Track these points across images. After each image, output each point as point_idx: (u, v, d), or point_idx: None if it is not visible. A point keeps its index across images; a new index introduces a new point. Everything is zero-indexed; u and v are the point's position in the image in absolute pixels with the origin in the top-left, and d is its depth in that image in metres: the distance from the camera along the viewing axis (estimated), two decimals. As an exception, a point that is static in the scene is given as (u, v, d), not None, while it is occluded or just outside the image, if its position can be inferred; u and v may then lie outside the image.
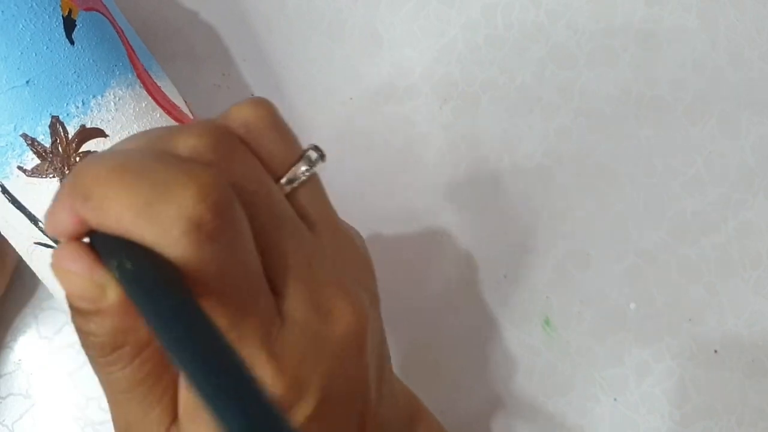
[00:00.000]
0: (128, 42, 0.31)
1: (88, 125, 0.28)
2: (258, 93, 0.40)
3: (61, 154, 0.28)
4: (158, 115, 0.30)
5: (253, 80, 0.40)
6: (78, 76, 0.28)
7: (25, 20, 0.26)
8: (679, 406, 0.40)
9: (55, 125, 0.27)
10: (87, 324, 0.21)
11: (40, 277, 0.32)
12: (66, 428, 0.38)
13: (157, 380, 0.23)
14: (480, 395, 0.40)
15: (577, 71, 0.41)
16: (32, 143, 0.27)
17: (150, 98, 0.30)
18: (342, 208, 0.40)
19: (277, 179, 0.23)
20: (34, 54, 0.27)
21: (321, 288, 0.23)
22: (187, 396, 0.22)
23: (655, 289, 0.40)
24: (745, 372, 0.40)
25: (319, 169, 0.24)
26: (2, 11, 0.26)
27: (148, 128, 0.29)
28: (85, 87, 0.28)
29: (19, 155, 0.27)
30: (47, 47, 0.27)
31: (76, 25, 0.28)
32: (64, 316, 0.38)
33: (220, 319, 0.20)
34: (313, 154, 0.24)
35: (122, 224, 0.19)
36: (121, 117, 0.29)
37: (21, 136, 0.27)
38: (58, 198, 0.20)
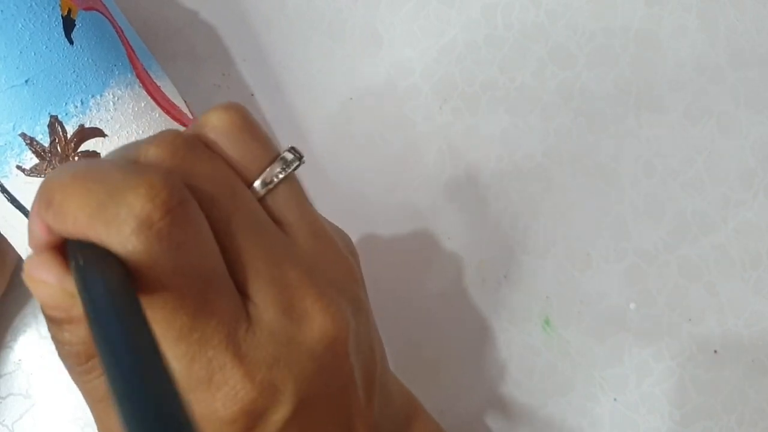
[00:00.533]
0: (128, 41, 0.31)
1: (87, 125, 0.28)
2: (258, 93, 0.40)
3: (59, 153, 0.28)
4: (157, 115, 0.30)
5: (253, 80, 0.40)
6: (77, 76, 0.28)
7: (25, 19, 0.26)
8: (679, 406, 0.40)
9: (54, 125, 0.27)
10: (61, 333, 0.22)
11: None
12: (66, 428, 0.38)
13: None
14: (480, 395, 0.40)
15: (577, 71, 0.41)
16: (31, 143, 0.27)
17: (149, 98, 0.30)
18: (342, 208, 0.40)
19: (250, 182, 0.23)
20: (33, 53, 0.27)
21: (293, 291, 0.23)
22: None
23: (655, 289, 0.40)
24: (745, 372, 0.40)
25: (299, 170, 0.24)
26: (1, 10, 0.26)
27: (147, 128, 0.29)
28: (84, 86, 0.28)
29: (18, 155, 0.27)
30: (46, 47, 0.27)
31: (75, 25, 0.28)
32: (64, 316, 0.38)
33: (180, 318, 0.20)
34: (289, 156, 0.24)
35: (78, 227, 0.19)
36: (120, 116, 0.29)
37: (20, 135, 0.27)
38: (32, 208, 0.21)
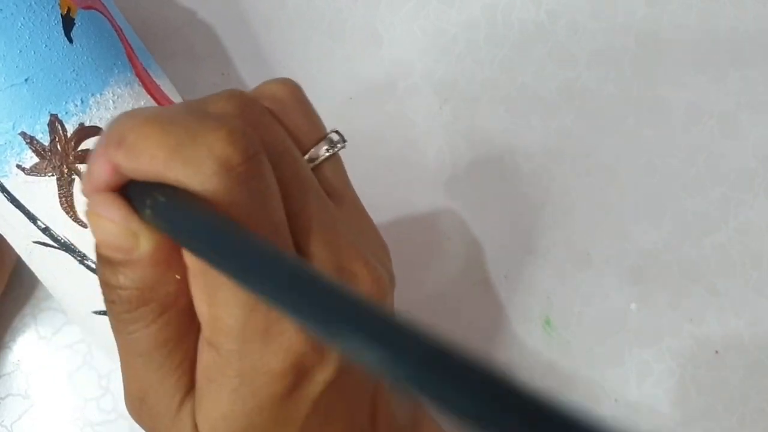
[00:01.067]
0: (127, 40, 0.31)
1: (87, 123, 0.28)
2: (257, 93, 0.40)
3: (59, 152, 0.27)
4: None
5: (253, 80, 0.40)
6: (77, 75, 0.28)
7: (24, 18, 0.26)
8: (679, 406, 0.40)
9: (54, 124, 0.27)
10: (115, 276, 0.22)
11: (39, 277, 0.31)
12: (65, 429, 0.38)
13: (176, 346, 0.23)
14: (480, 396, 0.40)
15: (578, 71, 0.41)
16: (31, 141, 0.27)
17: (149, 97, 0.30)
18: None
19: (302, 154, 0.24)
20: (32, 52, 0.27)
21: (344, 252, 0.23)
22: (212, 354, 0.22)
23: (655, 289, 0.40)
24: (746, 372, 0.40)
25: (341, 151, 0.25)
26: (1, 9, 0.26)
27: None
28: (83, 85, 0.28)
29: (18, 154, 0.27)
30: (46, 45, 0.27)
31: (74, 24, 0.28)
32: (63, 317, 0.38)
33: None
34: (335, 137, 0.25)
35: (155, 166, 0.19)
36: None
37: (20, 134, 0.27)
38: (94, 150, 0.21)
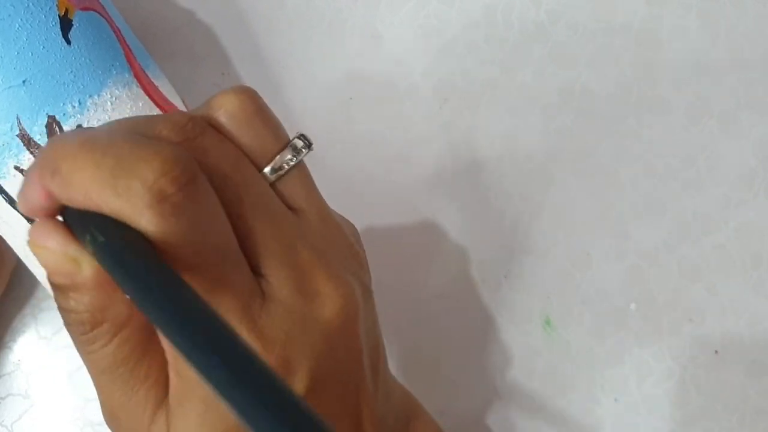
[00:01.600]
0: (125, 41, 0.31)
1: (85, 125, 0.28)
2: (258, 93, 0.40)
3: None
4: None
5: (252, 80, 0.40)
6: (74, 76, 0.28)
7: (22, 20, 0.26)
8: (679, 406, 0.40)
9: (52, 125, 0.27)
10: (66, 300, 0.22)
11: (38, 278, 0.32)
12: (65, 429, 0.38)
13: (138, 361, 0.23)
14: (480, 395, 0.40)
15: (578, 71, 0.41)
16: (29, 143, 0.27)
17: (147, 98, 0.30)
18: (341, 208, 0.40)
19: (261, 167, 0.23)
20: (30, 54, 0.27)
21: (306, 270, 0.23)
22: (176, 379, 0.22)
23: (655, 289, 0.40)
24: (746, 372, 0.40)
25: (307, 157, 0.24)
26: None
27: None
28: (81, 87, 0.28)
29: (16, 155, 0.27)
30: (44, 47, 0.27)
31: (72, 25, 0.28)
32: (64, 317, 0.38)
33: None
34: (299, 143, 0.24)
35: (89, 197, 0.19)
36: (118, 117, 0.29)
37: (17, 136, 0.27)
38: (28, 174, 0.21)
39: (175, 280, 0.18)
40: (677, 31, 0.42)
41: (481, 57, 0.41)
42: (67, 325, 0.23)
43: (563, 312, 0.40)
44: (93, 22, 0.29)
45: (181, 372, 0.22)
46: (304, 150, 0.24)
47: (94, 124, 0.28)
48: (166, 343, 0.22)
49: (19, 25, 0.26)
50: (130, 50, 0.31)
